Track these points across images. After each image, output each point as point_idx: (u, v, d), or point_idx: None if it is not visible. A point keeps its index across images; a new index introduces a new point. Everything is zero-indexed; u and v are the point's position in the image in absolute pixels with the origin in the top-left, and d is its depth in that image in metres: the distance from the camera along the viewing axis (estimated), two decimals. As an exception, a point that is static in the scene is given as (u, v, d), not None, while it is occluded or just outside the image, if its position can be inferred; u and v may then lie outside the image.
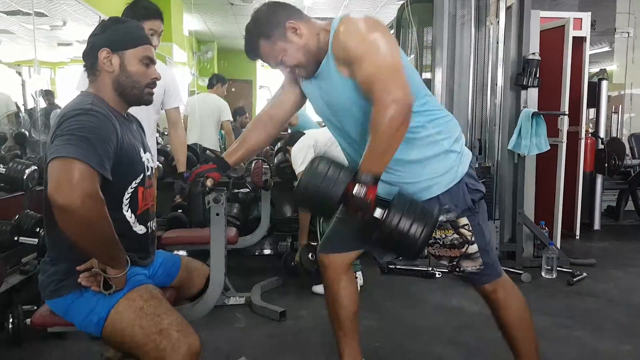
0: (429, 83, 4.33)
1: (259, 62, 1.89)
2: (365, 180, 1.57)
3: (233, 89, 11.54)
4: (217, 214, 1.96)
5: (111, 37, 1.67)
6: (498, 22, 3.93)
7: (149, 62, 1.73)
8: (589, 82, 5.07)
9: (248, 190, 4.25)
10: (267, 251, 4.52)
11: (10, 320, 2.64)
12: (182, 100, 3.16)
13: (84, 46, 1.71)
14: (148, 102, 1.79)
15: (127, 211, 1.69)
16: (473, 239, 1.85)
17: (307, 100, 2.01)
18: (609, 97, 6.09)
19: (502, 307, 1.95)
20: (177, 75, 3.07)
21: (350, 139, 1.85)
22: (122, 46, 1.67)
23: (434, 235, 1.85)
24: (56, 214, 1.40)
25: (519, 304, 1.97)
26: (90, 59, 1.69)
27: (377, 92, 1.55)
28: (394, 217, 1.57)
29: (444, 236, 1.85)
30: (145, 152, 1.79)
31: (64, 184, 1.38)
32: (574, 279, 3.77)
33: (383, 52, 1.59)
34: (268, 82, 13.23)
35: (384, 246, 1.65)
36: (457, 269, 1.92)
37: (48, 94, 5.89)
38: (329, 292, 2.11)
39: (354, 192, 1.57)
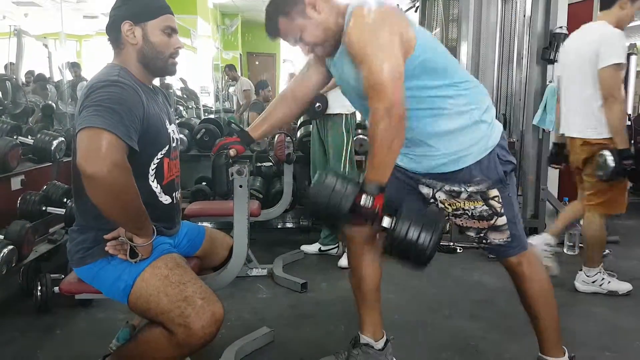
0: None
1: (283, 35, 1.87)
2: (371, 190, 1.60)
3: (257, 62, 11.55)
4: (240, 186, 1.98)
5: (132, 9, 1.69)
6: (525, -5, 3.87)
7: (171, 31, 1.74)
8: (618, 56, 4.95)
9: (271, 164, 4.28)
10: (289, 224, 4.56)
11: (39, 288, 2.72)
12: None
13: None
14: (172, 73, 1.81)
15: (153, 181, 1.73)
16: (502, 210, 1.83)
17: None
18: (638, 72, 5.94)
19: (526, 279, 1.94)
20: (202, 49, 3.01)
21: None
22: (143, 17, 1.69)
23: (462, 206, 1.85)
24: (85, 182, 1.43)
25: (542, 277, 1.96)
26: (113, 32, 1.71)
27: (372, 101, 1.57)
28: (403, 225, 1.58)
29: (472, 207, 1.84)
30: (170, 124, 1.82)
31: (92, 154, 1.41)
32: (597, 256, 3.73)
33: (383, 59, 1.56)
34: (292, 55, 13.16)
35: (393, 254, 1.66)
36: (485, 241, 1.91)
37: (74, 66, 5.97)
38: (354, 264, 2.13)
39: (362, 202, 1.60)
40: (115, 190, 1.44)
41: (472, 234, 1.93)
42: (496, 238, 1.88)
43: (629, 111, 5.42)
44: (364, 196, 1.60)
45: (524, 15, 3.90)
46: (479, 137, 1.79)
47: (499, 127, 1.87)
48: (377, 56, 1.56)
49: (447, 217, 1.92)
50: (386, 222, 1.63)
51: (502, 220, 1.85)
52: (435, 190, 1.89)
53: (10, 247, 2.56)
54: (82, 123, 1.46)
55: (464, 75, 1.83)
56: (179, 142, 1.90)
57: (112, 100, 1.51)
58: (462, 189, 1.82)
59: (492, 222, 1.85)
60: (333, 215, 1.63)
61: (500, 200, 1.82)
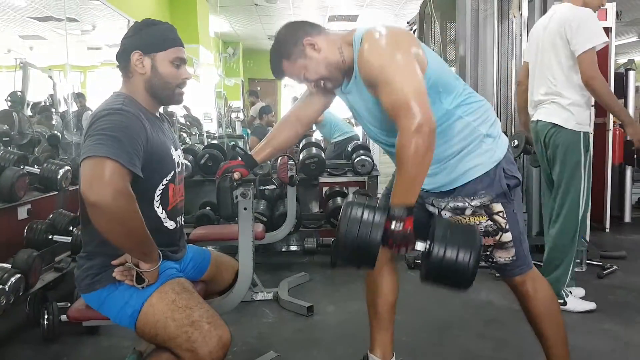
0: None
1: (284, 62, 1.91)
2: (400, 214, 1.54)
3: (258, 88, 11.67)
4: (245, 208, 2.00)
5: (143, 39, 1.72)
6: (521, 14, 3.90)
7: (180, 62, 1.77)
8: (615, 72, 4.99)
9: (274, 186, 4.29)
10: (293, 247, 4.54)
11: (46, 317, 2.72)
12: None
13: (113, 50, 1.75)
14: (179, 102, 1.84)
15: (158, 207, 1.75)
16: (507, 226, 1.83)
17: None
18: (637, 87, 5.98)
19: (531, 298, 1.95)
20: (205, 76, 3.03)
21: (388, 136, 1.86)
22: (153, 48, 1.72)
23: (468, 222, 1.85)
24: (89, 210, 1.45)
25: (547, 295, 1.96)
26: (123, 60, 1.74)
27: (400, 119, 1.53)
28: (439, 247, 1.51)
29: (477, 223, 1.84)
30: (176, 150, 1.84)
31: (95, 182, 1.43)
32: (604, 272, 3.72)
33: (405, 77, 1.57)
34: (293, 81, 13.24)
35: (433, 279, 1.60)
36: (490, 260, 1.91)
37: (80, 97, 6.04)
38: (370, 280, 2.13)
39: (392, 228, 1.54)
40: (119, 217, 1.45)
41: None
42: (502, 257, 1.88)
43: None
44: (393, 222, 1.54)
45: (520, 35, 3.94)
46: (484, 150, 1.81)
47: (504, 140, 1.89)
48: (398, 77, 1.57)
49: None
50: (420, 245, 1.58)
51: (507, 237, 1.84)
52: (440, 209, 1.90)
53: (18, 275, 2.57)
54: (86, 152, 1.49)
55: (468, 90, 1.86)
56: (184, 167, 1.92)
57: (114, 128, 1.54)
58: (466, 204, 1.83)
59: (497, 238, 1.84)
60: (365, 250, 1.53)
61: (505, 216, 1.83)
